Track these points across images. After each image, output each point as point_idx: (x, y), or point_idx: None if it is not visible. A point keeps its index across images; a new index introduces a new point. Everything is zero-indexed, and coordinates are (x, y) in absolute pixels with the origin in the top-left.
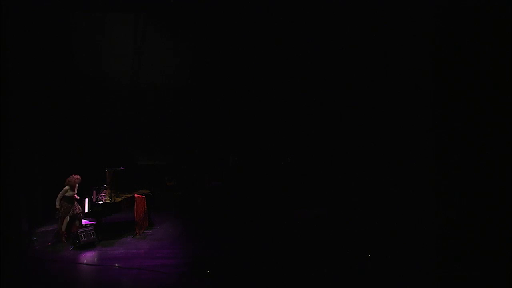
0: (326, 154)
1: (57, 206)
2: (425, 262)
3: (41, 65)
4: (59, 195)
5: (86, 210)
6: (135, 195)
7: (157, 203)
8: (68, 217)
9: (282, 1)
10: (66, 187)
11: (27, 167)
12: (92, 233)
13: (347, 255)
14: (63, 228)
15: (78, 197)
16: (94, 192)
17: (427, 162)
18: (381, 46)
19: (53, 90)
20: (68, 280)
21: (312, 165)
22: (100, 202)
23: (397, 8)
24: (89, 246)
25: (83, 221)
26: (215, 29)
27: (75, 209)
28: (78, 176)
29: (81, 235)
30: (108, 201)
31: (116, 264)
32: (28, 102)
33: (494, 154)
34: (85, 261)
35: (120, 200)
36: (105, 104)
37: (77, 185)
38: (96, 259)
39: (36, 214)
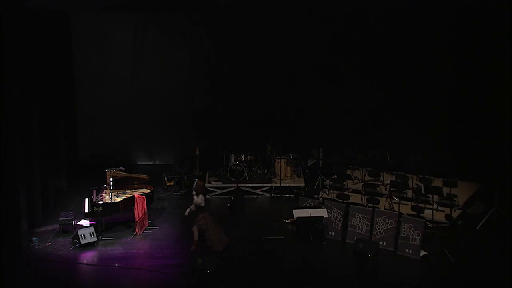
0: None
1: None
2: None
3: (41, 64)
4: (201, 203)
5: (86, 210)
6: (135, 195)
7: (157, 203)
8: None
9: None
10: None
11: (27, 167)
12: (92, 233)
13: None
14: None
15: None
16: (94, 192)
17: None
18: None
19: (52, 89)
20: (68, 280)
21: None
22: (100, 202)
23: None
24: (89, 246)
25: (83, 222)
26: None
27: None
28: (201, 182)
29: (81, 235)
30: (108, 201)
31: (116, 264)
32: (28, 101)
33: None
34: (85, 261)
35: (120, 200)
36: (105, 104)
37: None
38: (96, 259)
39: (36, 214)
